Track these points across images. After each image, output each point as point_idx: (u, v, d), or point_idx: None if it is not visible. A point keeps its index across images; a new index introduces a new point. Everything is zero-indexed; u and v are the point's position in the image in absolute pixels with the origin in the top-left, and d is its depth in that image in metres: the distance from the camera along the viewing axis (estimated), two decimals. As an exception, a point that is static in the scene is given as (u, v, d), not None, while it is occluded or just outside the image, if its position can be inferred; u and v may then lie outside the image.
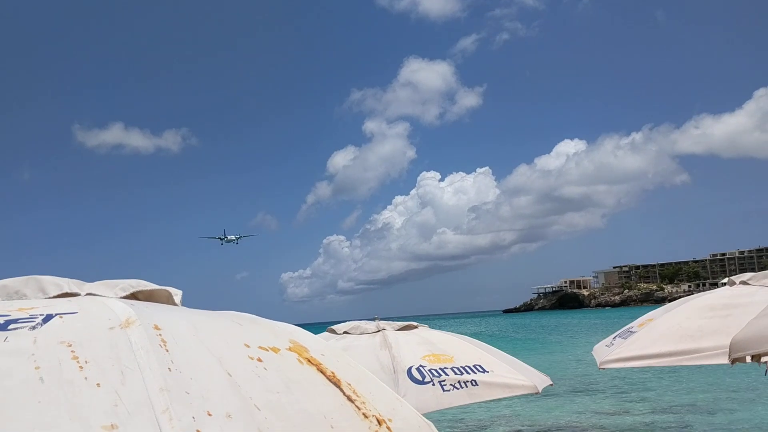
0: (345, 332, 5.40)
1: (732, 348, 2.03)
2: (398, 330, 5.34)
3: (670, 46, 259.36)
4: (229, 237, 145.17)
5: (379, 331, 5.30)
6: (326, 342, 1.93)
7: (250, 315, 1.88)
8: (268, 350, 1.65)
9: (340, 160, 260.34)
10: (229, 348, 1.56)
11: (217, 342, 1.56)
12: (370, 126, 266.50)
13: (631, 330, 5.11)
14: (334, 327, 5.54)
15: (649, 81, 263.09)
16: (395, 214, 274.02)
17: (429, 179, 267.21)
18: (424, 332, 5.37)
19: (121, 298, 1.76)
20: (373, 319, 5.57)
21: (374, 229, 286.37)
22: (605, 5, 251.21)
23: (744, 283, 4.91)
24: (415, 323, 5.53)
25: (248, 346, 1.61)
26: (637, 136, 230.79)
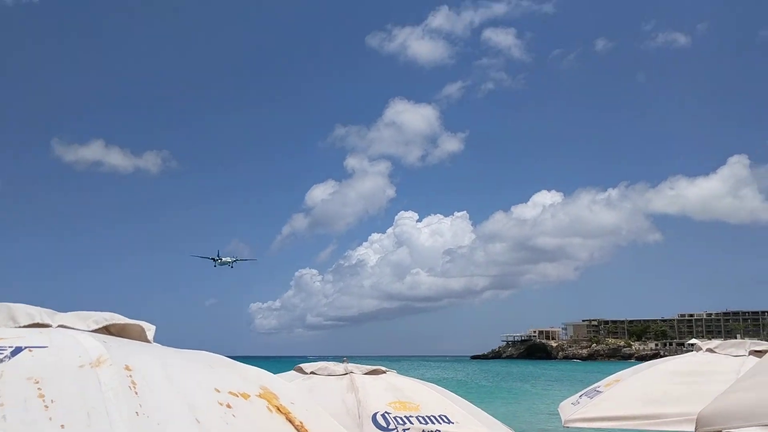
0: (312, 372, 5.34)
1: (699, 422, 2.04)
2: (366, 374, 5.29)
3: (650, 108, 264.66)
4: (224, 258, 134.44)
5: (346, 373, 5.24)
6: (296, 388, 1.91)
7: (223, 357, 1.86)
8: (238, 396, 1.64)
9: (319, 193, 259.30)
10: (199, 392, 1.54)
11: (187, 386, 1.54)
12: (351, 162, 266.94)
13: (597, 389, 5.13)
14: (302, 366, 5.48)
15: (628, 140, 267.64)
16: (370, 252, 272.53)
17: (406, 219, 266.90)
18: (392, 378, 5.33)
19: (93, 331, 1.74)
20: (342, 361, 5.52)
21: (348, 264, 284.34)
22: (590, 63, 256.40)
23: (710, 350, 4.96)
24: (383, 368, 5.49)
25: (219, 391, 1.60)
26: (613, 192, 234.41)
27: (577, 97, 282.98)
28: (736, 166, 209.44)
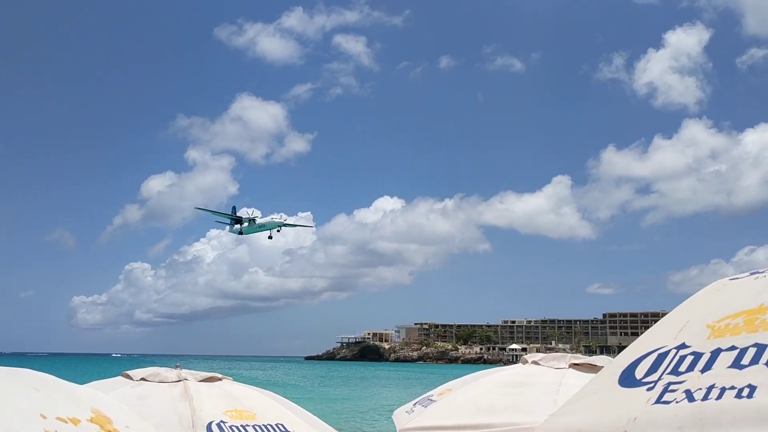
0: (142, 378, 5.04)
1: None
2: (201, 381, 5.08)
3: (487, 126, 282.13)
4: (257, 219, 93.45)
5: (180, 380, 5.00)
6: (124, 396, 1.78)
7: (50, 377, 1.69)
8: (67, 422, 1.48)
9: (156, 184, 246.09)
10: (23, 420, 1.38)
11: (8, 413, 1.38)
12: (193, 154, 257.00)
13: (431, 398, 5.31)
14: (129, 372, 5.15)
15: (465, 154, 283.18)
16: (208, 248, 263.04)
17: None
18: (228, 385, 5.17)
19: None
20: (175, 367, 5.26)
21: (183, 260, 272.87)
22: (434, 79, 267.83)
23: (535, 362, 5.29)
24: (219, 375, 5.31)
25: (45, 417, 1.44)
26: (449, 203, 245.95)
27: (421, 110, 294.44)
28: (559, 186, 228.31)
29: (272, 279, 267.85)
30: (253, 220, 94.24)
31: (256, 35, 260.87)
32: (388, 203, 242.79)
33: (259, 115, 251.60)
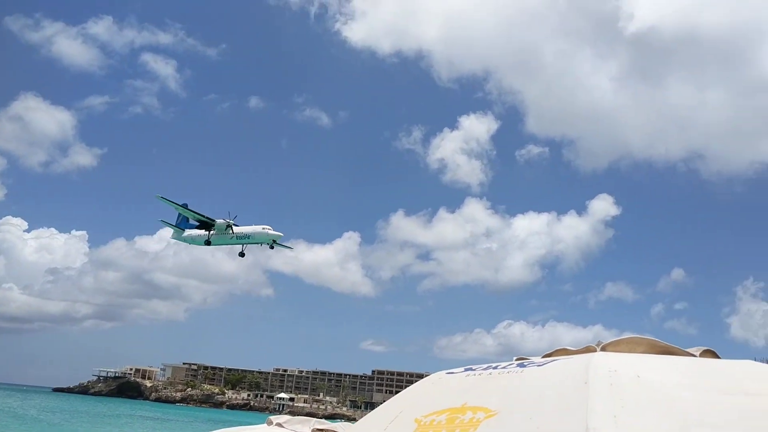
0: None
1: None
2: None
3: (288, 172, 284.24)
4: (233, 224, 72.80)
5: None
6: None
7: None
8: None
9: None
10: None
11: None
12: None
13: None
14: None
15: (266, 196, 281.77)
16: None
17: (13, 226, 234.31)
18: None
19: None
20: None
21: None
22: (241, 116, 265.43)
23: (279, 425, 5.37)
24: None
25: None
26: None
27: (223, 145, 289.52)
28: (349, 241, 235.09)
29: (28, 298, 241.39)
30: (231, 226, 72.71)
31: (54, 34, 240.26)
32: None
33: (43, 118, 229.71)
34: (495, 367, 3.06)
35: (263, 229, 72.13)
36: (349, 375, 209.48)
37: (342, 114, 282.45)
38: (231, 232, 71.76)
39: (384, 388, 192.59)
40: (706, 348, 3.39)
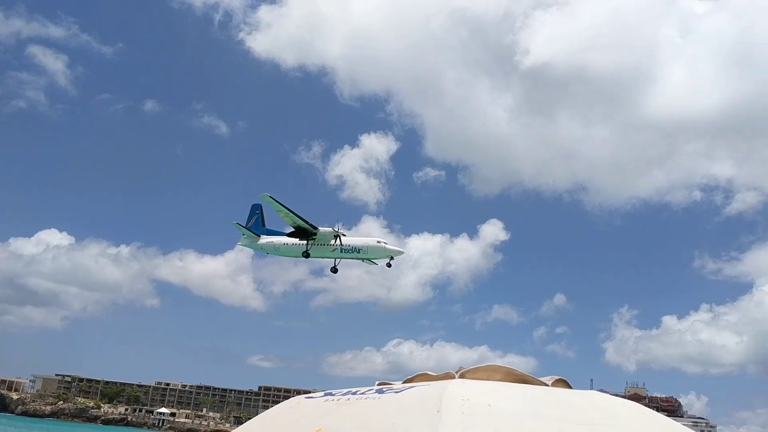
0: None
1: None
2: None
3: (182, 180, 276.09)
4: (341, 233, 60.52)
5: None
6: None
7: None
8: None
9: None
10: None
11: None
12: None
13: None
14: None
15: (152, 203, 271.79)
16: None
17: None
18: None
19: None
20: None
21: None
22: (136, 119, 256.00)
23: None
24: None
25: None
26: (124, 250, 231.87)
27: (114, 147, 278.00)
28: (241, 254, 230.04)
29: None
30: (339, 236, 60.02)
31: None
32: (54, 237, 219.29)
33: None
34: (354, 393, 3.04)
35: (378, 242, 61.06)
36: (235, 390, 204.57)
37: (241, 124, 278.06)
38: (336, 243, 60.10)
39: (270, 405, 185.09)
40: (558, 377, 3.53)
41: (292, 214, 59.76)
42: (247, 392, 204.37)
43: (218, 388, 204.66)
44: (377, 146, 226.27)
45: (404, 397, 2.82)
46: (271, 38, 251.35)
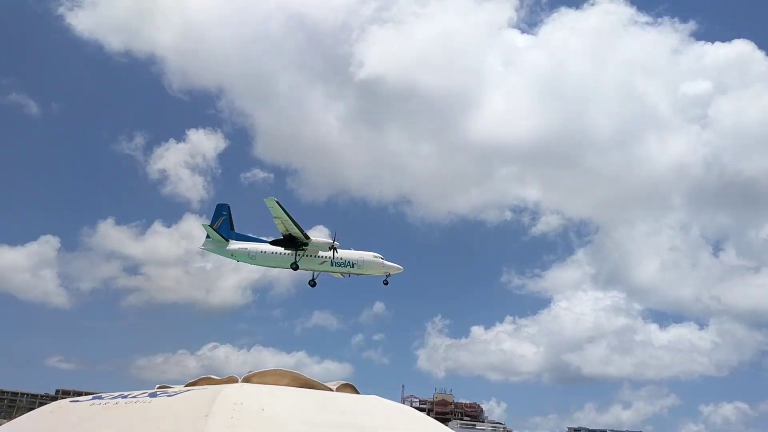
0: None
1: None
2: None
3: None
4: (336, 245, 51.15)
5: None
6: None
7: None
8: None
9: None
10: None
11: None
12: None
13: None
14: None
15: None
16: None
17: None
18: None
19: None
20: None
21: None
22: None
23: None
24: None
25: None
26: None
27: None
28: (46, 246, 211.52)
29: None
30: (334, 249, 53.39)
31: None
32: None
33: None
34: (125, 396, 2.87)
35: (375, 257, 55.67)
36: (28, 394, 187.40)
37: (55, 106, 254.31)
38: (326, 257, 54.13)
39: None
40: (345, 383, 3.60)
41: (290, 222, 53.63)
42: (42, 396, 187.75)
43: (7, 392, 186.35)
44: (205, 142, 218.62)
45: (176, 402, 2.71)
46: (96, 18, 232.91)
